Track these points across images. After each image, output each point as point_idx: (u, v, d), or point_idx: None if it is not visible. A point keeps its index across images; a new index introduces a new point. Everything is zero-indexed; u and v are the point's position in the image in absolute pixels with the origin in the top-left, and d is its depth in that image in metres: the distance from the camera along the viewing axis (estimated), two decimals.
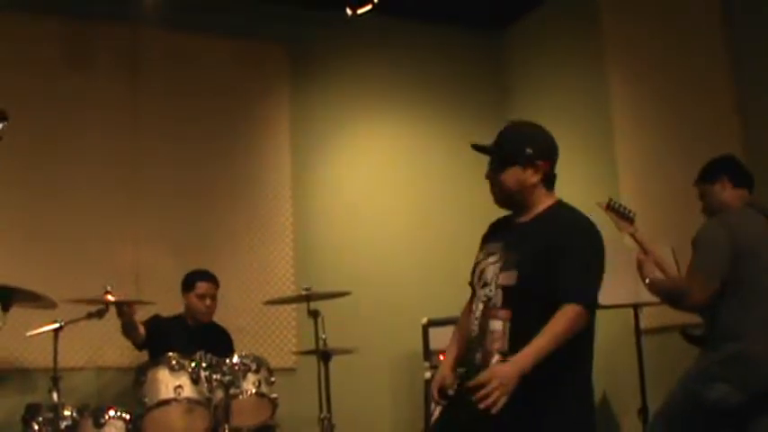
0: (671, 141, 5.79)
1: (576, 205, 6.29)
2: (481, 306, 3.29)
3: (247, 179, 6.67)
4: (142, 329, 5.51)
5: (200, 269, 5.83)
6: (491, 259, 3.35)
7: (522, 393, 3.03)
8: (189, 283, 5.77)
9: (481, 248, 3.49)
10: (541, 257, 3.22)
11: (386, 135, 7.20)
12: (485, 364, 3.18)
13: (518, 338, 3.14)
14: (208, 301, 5.75)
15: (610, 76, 6.31)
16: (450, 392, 3.34)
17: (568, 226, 3.35)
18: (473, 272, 3.43)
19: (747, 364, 3.98)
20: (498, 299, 3.25)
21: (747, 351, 4.00)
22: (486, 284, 3.31)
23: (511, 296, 3.22)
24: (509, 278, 3.24)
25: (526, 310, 3.19)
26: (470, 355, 3.30)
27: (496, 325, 3.23)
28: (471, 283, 3.44)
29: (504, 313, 3.22)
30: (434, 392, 3.37)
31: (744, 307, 4.04)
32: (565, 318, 3.11)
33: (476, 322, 3.29)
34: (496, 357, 3.18)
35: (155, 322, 5.67)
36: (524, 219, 3.42)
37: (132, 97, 6.39)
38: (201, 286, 5.75)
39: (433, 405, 3.63)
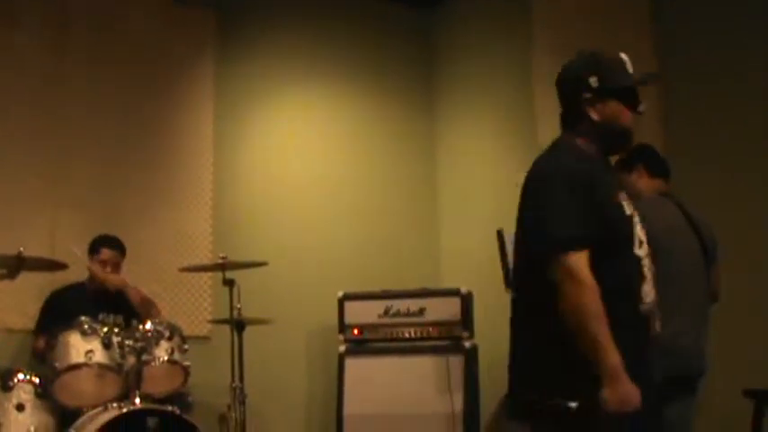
0: None
1: (494, 185, 6.38)
2: (647, 269, 3.03)
3: (169, 145, 6.59)
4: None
5: (109, 235, 5.77)
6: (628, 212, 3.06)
7: None
8: (94, 247, 5.72)
9: (616, 194, 3.04)
10: None
11: (311, 105, 7.17)
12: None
13: None
14: (108, 269, 5.69)
15: (535, 60, 6.35)
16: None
17: None
18: (621, 224, 3.00)
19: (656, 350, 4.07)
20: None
21: (656, 337, 4.09)
22: (641, 243, 3.04)
23: None
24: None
25: None
26: (649, 323, 3.03)
27: None
28: (621, 239, 2.99)
29: None
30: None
31: None
32: None
33: (653, 287, 3.02)
34: None
35: (53, 301, 5.66)
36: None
37: (56, 59, 6.24)
38: (105, 253, 5.70)
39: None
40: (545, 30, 6.32)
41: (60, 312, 5.41)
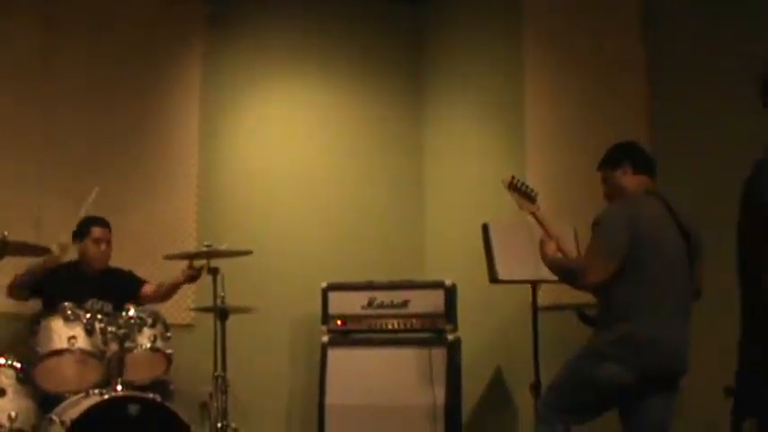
0: (580, 126, 5.87)
1: (481, 181, 6.37)
2: None
3: (154, 133, 6.60)
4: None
5: (92, 215, 5.75)
6: None
7: None
8: (84, 229, 5.70)
9: None
10: None
11: (298, 98, 7.16)
12: None
13: None
14: (103, 246, 5.71)
15: (525, 57, 6.34)
16: None
17: None
18: None
19: (637, 346, 4.07)
20: None
21: (637, 333, 4.09)
22: None
23: None
24: None
25: None
26: None
27: None
28: None
29: None
30: None
31: (636, 290, 4.12)
32: None
33: None
34: None
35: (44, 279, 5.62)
36: None
37: (45, 53, 6.25)
38: (96, 231, 5.70)
39: None
40: (534, 27, 6.32)
41: (50, 290, 5.42)
